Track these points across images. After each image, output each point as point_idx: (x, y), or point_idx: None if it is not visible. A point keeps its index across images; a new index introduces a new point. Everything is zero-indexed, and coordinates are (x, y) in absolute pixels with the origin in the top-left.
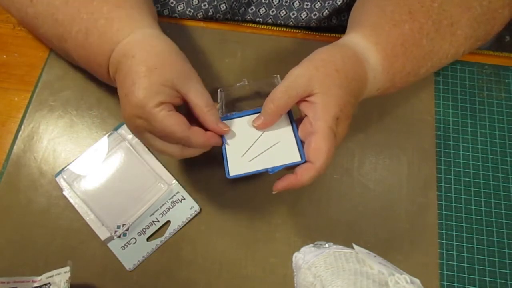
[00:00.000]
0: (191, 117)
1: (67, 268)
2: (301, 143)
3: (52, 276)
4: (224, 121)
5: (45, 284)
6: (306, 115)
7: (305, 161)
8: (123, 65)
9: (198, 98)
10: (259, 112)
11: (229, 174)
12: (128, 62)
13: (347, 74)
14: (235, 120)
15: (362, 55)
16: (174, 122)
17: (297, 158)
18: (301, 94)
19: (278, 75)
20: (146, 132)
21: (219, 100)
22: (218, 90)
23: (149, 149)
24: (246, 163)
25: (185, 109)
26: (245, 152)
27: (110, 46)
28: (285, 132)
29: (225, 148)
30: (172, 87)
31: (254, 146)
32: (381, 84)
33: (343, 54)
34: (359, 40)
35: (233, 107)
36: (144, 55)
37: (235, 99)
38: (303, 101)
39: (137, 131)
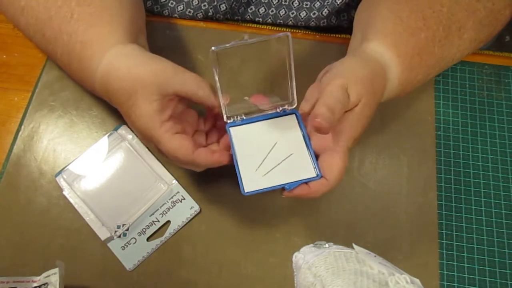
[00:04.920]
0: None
1: (56, 270)
2: (315, 156)
3: (49, 276)
4: (232, 127)
5: (44, 284)
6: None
7: (321, 177)
8: (109, 97)
9: (187, 87)
10: (269, 118)
11: (244, 191)
12: (112, 96)
13: (377, 95)
14: (244, 126)
15: (387, 72)
16: (176, 146)
17: (313, 174)
18: (348, 108)
19: (289, 34)
20: (161, 152)
21: (212, 61)
22: (210, 50)
23: (148, 149)
24: (261, 179)
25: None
26: (259, 166)
27: (91, 76)
28: (297, 143)
29: (237, 162)
30: (161, 97)
31: (267, 159)
32: (392, 95)
33: (376, 72)
34: (383, 50)
35: (226, 71)
36: (119, 84)
37: (231, 62)
38: None
39: (156, 152)
